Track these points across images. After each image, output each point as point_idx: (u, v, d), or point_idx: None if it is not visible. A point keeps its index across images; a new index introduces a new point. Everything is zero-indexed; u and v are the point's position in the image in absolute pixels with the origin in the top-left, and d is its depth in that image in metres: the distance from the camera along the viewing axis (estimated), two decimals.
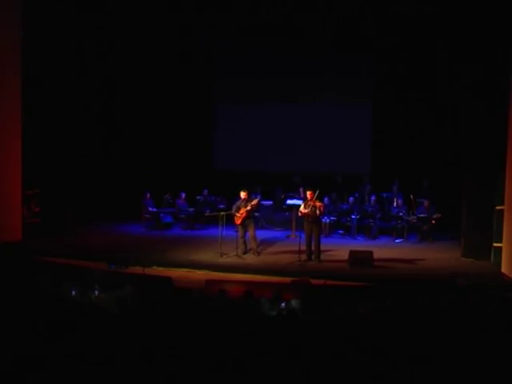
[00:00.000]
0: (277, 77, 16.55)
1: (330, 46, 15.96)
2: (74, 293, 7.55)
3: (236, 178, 15.41)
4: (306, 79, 16.44)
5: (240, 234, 12.67)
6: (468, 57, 12.41)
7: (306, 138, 16.62)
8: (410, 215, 14.30)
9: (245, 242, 12.66)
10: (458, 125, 14.05)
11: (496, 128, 11.69)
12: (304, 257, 12.12)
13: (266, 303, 7.52)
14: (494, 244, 11.87)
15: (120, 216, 16.02)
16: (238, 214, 12.55)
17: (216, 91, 17.34)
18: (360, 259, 11.66)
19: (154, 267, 11.18)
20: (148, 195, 15.80)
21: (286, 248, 13.11)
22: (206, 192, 15.93)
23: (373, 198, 14.96)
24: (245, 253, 12.57)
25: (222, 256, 12.24)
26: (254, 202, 12.76)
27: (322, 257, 12.27)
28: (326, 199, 14.22)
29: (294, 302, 7.57)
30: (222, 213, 12.80)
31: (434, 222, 14.19)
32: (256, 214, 14.01)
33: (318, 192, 12.20)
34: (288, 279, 10.10)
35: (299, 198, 14.23)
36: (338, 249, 13.08)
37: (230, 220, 12.75)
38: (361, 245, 13.74)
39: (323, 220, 14.00)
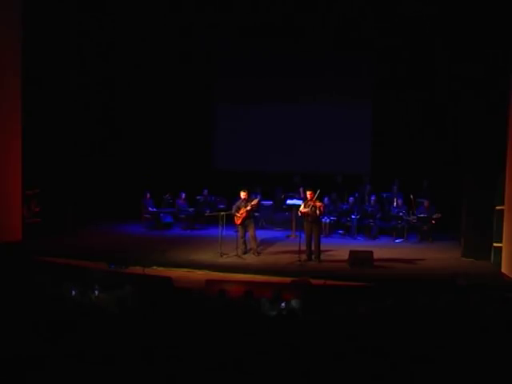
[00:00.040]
0: (277, 77, 16.55)
1: (330, 46, 15.96)
2: (73, 293, 7.55)
3: (236, 178, 15.41)
4: (306, 79, 16.44)
5: (240, 234, 12.67)
6: (468, 57, 12.41)
7: (306, 138, 16.62)
8: (410, 215, 14.30)
9: (245, 242, 12.66)
10: (458, 125, 14.05)
11: (496, 128, 11.69)
12: (304, 257, 12.12)
13: (266, 303, 7.52)
14: (494, 244, 11.87)
15: (120, 216, 16.02)
16: (238, 214, 12.55)
17: (216, 91, 17.34)
18: (360, 259, 11.66)
19: (154, 267, 11.18)
20: (148, 195, 15.80)
21: (286, 248, 13.11)
22: (205, 192, 15.93)
23: (373, 198, 14.96)
24: (245, 253, 12.57)
25: (221, 256, 12.24)
26: (254, 202, 12.76)
27: (322, 257, 12.27)
28: (326, 199, 14.22)
29: (294, 302, 7.57)
30: (222, 213, 12.80)
31: (434, 222, 14.19)
32: (256, 214, 14.00)
33: (318, 192, 12.21)
34: (288, 279, 10.10)
35: (299, 198, 14.23)
36: (338, 249, 13.08)
37: (230, 220, 12.75)
38: (361, 245, 13.73)
39: (323, 220, 14.00)
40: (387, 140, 15.91)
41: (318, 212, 12.14)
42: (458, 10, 12.81)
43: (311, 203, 12.16)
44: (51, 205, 14.27)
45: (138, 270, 10.76)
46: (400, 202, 14.69)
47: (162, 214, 15.69)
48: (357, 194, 15.34)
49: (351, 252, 11.89)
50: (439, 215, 14.07)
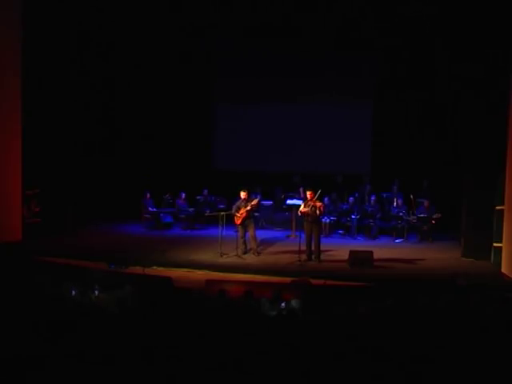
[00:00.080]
0: (277, 77, 16.55)
1: (330, 46, 15.96)
2: (74, 293, 7.55)
3: (236, 177, 15.41)
4: (306, 79, 16.43)
5: (240, 233, 12.67)
6: (468, 57, 12.41)
7: (306, 138, 16.62)
8: (410, 215, 14.30)
9: (245, 242, 12.66)
10: (458, 125, 14.05)
11: (496, 128, 11.69)
12: (304, 257, 12.12)
13: (266, 303, 7.52)
14: (494, 244, 11.87)
15: (120, 216, 16.01)
16: (238, 214, 12.55)
17: (216, 91, 17.34)
18: (360, 259, 11.66)
19: (154, 267, 11.18)
20: (148, 195, 15.80)
21: (286, 248, 13.11)
22: (205, 192, 15.94)
23: (373, 198, 14.96)
24: (245, 253, 12.57)
25: (221, 256, 12.24)
26: (254, 202, 12.76)
27: (322, 257, 12.27)
28: (326, 199, 14.22)
29: (294, 302, 7.57)
30: (222, 213, 12.80)
31: (434, 221, 14.19)
32: (256, 214, 14.00)
33: (319, 192, 12.21)
34: (288, 279, 10.10)
35: (299, 198, 14.23)
36: (338, 249, 13.08)
37: (230, 220, 12.75)
38: (361, 245, 13.74)
39: (323, 220, 14.00)
40: (387, 140, 15.92)
41: (317, 212, 12.14)
42: (458, 10, 12.81)
43: (311, 203, 12.16)
44: (51, 205, 14.27)
45: (138, 270, 10.76)
46: (400, 202, 14.69)
47: (162, 214, 15.69)
48: (357, 194, 15.34)
49: (351, 252, 11.89)
50: (439, 215, 14.07)
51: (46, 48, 13.87)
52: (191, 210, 15.61)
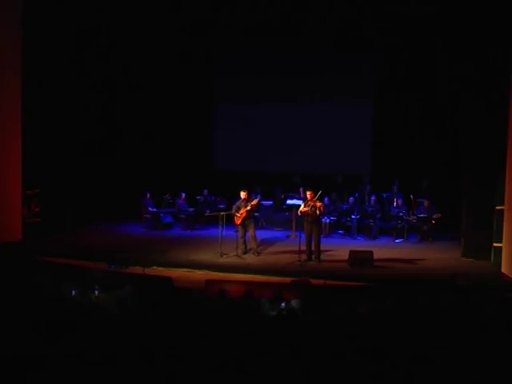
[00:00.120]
0: (277, 77, 16.55)
1: (331, 46, 15.95)
2: (74, 293, 7.55)
3: (236, 177, 15.41)
4: (306, 79, 16.44)
5: (240, 233, 12.67)
6: (468, 57, 12.41)
7: (306, 138, 16.62)
8: (410, 215, 14.30)
9: (245, 242, 12.66)
10: (458, 125, 14.05)
11: (496, 128, 11.68)
12: (304, 257, 12.12)
13: (266, 303, 7.52)
14: (494, 244, 11.87)
15: (120, 216, 16.02)
16: (238, 214, 12.55)
17: (216, 91, 17.34)
18: (360, 259, 11.66)
19: (154, 267, 11.18)
20: (148, 195, 15.80)
21: (286, 248, 13.11)
22: (205, 192, 15.94)
23: (373, 198, 14.96)
24: (245, 253, 12.57)
25: (222, 256, 12.24)
26: (254, 202, 12.76)
27: (322, 257, 12.26)
28: (326, 199, 14.22)
29: (294, 302, 7.57)
30: (222, 213, 12.80)
31: (434, 221, 14.19)
32: (256, 214, 14.00)
33: (319, 193, 12.21)
34: (288, 279, 10.09)
35: (299, 198, 14.24)
36: (338, 249, 13.08)
37: (230, 220, 12.74)
38: (361, 245, 13.73)
39: (323, 220, 14.01)
40: (387, 140, 15.91)
41: (318, 212, 12.13)
42: (458, 10, 12.81)
43: (311, 203, 12.16)
44: (51, 205, 14.28)
45: (138, 270, 10.76)
46: (400, 202, 14.69)
47: (162, 214, 15.69)
48: (357, 194, 15.34)
49: (351, 252, 11.88)
50: (439, 215, 14.07)
51: (46, 48, 13.88)
52: (191, 209, 15.62)
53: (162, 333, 5.73)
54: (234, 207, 12.71)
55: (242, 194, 12.70)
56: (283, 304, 7.54)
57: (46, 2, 13.81)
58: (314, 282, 9.80)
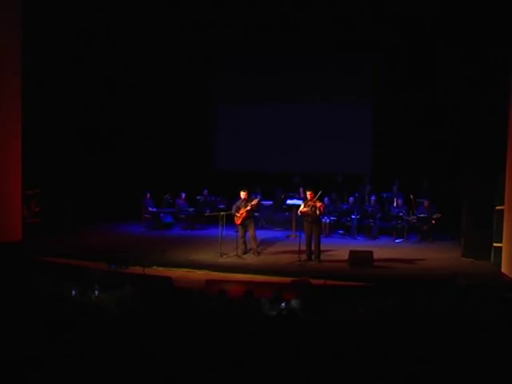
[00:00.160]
0: (277, 77, 16.55)
1: (331, 46, 15.95)
2: (74, 293, 7.55)
3: (236, 177, 15.41)
4: (306, 79, 16.43)
5: (240, 234, 12.67)
6: (468, 57, 12.41)
7: (306, 138, 16.62)
8: (410, 215, 14.30)
9: (245, 242, 12.66)
10: (458, 125, 14.05)
11: (496, 128, 11.68)
12: (304, 257, 12.12)
13: (266, 303, 7.52)
14: (494, 244, 11.87)
15: (120, 216, 16.02)
16: (238, 214, 12.55)
17: (216, 91, 17.35)
18: (360, 259, 11.66)
19: (154, 267, 11.18)
20: (148, 195, 15.80)
21: (286, 248, 13.11)
22: (205, 192, 15.94)
23: (373, 198, 14.96)
24: (245, 253, 12.57)
25: (222, 256, 12.24)
26: (254, 202, 12.76)
27: (322, 257, 12.26)
28: (326, 199, 14.22)
29: (294, 302, 7.57)
30: (222, 213, 12.80)
31: (434, 221, 14.18)
32: (256, 214, 14.00)
33: (319, 193, 12.21)
34: (288, 279, 10.09)
35: (299, 198, 14.23)
36: (338, 249, 13.08)
37: (230, 220, 12.74)
38: (361, 245, 13.73)
39: (323, 220, 14.00)
40: (387, 140, 15.91)
41: (317, 212, 12.13)
42: (458, 10, 12.81)
43: (311, 203, 12.16)
44: (51, 205, 14.28)
45: (138, 270, 10.76)
46: (400, 202, 14.69)
47: (162, 214, 15.69)
48: (357, 194, 15.34)
49: (351, 252, 11.88)
50: (439, 215, 14.06)
51: (46, 48, 13.87)
52: (191, 209, 15.62)
53: (162, 333, 5.73)
54: (234, 207, 12.71)
55: (242, 194, 12.70)
56: (283, 304, 7.54)
57: (45, 2, 13.81)
58: (314, 282, 9.80)
